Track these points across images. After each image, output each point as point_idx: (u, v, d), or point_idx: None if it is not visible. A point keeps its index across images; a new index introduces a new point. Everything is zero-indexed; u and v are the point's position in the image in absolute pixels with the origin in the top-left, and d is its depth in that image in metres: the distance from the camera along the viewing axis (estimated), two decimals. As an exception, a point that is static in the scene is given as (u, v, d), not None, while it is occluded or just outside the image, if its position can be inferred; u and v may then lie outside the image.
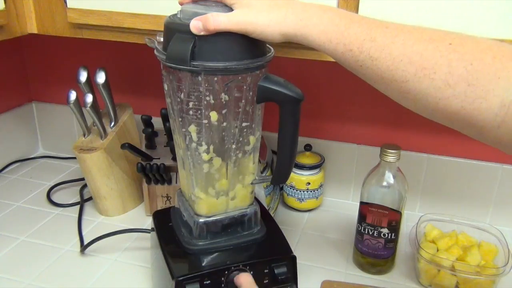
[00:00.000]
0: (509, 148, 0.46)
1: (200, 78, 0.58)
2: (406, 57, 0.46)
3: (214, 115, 0.61)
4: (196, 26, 0.55)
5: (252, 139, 0.66)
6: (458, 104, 0.45)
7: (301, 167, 0.99)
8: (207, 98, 0.59)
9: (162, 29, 0.60)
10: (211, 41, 0.56)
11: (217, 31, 0.54)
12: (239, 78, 0.59)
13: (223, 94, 0.59)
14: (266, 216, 0.76)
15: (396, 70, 0.47)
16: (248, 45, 0.57)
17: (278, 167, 0.67)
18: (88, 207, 1.02)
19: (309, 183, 1.00)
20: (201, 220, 0.67)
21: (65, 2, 0.79)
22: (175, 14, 0.61)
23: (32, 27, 0.83)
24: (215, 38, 0.55)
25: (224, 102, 0.60)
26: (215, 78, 0.58)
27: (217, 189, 0.67)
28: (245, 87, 0.60)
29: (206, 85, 0.58)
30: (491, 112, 0.43)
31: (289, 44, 0.70)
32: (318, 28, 0.52)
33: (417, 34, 0.47)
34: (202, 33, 0.55)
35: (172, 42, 0.57)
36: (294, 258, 0.69)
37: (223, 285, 0.65)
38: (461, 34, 0.47)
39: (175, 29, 0.58)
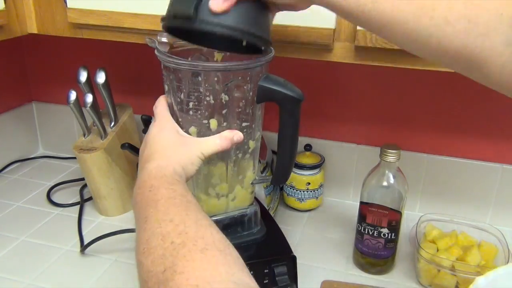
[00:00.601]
0: None
1: (200, 78, 0.58)
2: None
3: (214, 123, 0.61)
4: (216, 2, 0.51)
5: (252, 140, 0.66)
6: (460, 42, 0.43)
7: (301, 167, 0.99)
8: (207, 98, 0.59)
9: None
10: None
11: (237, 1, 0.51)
12: (239, 78, 0.59)
13: (223, 94, 0.59)
14: (266, 216, 0.76)
15: (397, 11, 0.46)
16: (256, 14, 0.54)
17: (278, 167, 0.67)
18: (88, 207, 1.02)
19: (309, 183, 1.00)
20: (201, 220, 0.67)
21: (65, 2, 0.79)
22: None
23: (32, 27, 0.83)
24: None
25: (224, 102, 0.60)
26: (215, 78, 0.58)
27: (217, 190, 0.67)
28: (245, 87, 0.60)
29: (206, 85, 0.58)
30: (496, 51, 0.42)
31: (289, 44, 0.70)
32: None
33: None
34: (225, 6, 0.51)
35: (173, 2, 0.55)
36: (294, 258, 0.69)
37: (223, 285, 0.65)
38: None
39: None
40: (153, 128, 0.60)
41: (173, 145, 0.57)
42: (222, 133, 0.59)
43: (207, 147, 0.57)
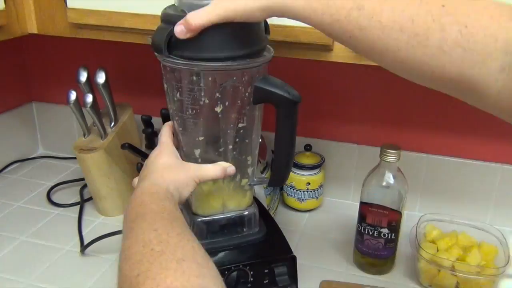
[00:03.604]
0: (509, 115, 0.43)
1: (195, 78, 0.58)
2: (397, 24, 0.43)
3: (207, 124, 0.61)
4: (180, 31, 0.55)
5: (249, 140, 0.65)
6: (455, 70, 0.42)
7: (301, 167, 0.99)
8: (202, 98, 0.59)
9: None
10: None
11: (202, 28, 0.54)
12: (234, 78, 0.59)
13: (218, 95, 0.59)
14: (266, 216, 0.76)
15: (387, 39, 0.44)
16: (229, 33, 0.56)
17: (274, 170, 0.67)
18: (88, 207, 1.02)
19: (309, 183, 0.99)
20: (198, 219, 0.67)
21: (65, 2, 0.79)
22: (172, 5, 0.61)
23: (32, 27, 0.83)
24: None
25: (220, 103, 0.60)
26: (210, 78, 0.58)
27: (213, 190, 0.67)
28: (241, 88, 0.60)
29: (201, 85, 0.58)
30: (492, 77, 0.41)
31: (289, 44, 0.70)
32: None
33: None
34: (188, 35, 0.54)
35: (155, 31, 0.58)
36: (294, 258, 0.69)
37: (223, 285, 0.65)
38: None
39: (161, 19, 0.59)
40: (154, 152, 0.65)
41: (170, 168, 0.61)
42: (219, 163, 0.63)
43: (203, 173, 0.61)
